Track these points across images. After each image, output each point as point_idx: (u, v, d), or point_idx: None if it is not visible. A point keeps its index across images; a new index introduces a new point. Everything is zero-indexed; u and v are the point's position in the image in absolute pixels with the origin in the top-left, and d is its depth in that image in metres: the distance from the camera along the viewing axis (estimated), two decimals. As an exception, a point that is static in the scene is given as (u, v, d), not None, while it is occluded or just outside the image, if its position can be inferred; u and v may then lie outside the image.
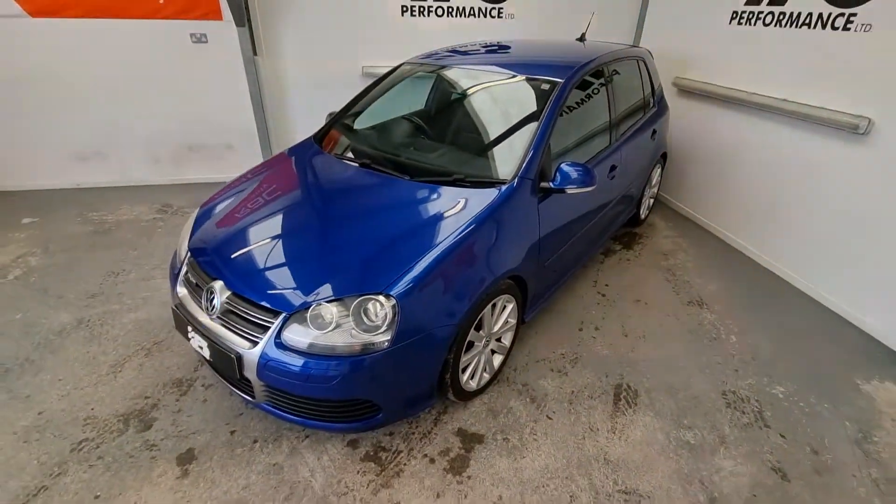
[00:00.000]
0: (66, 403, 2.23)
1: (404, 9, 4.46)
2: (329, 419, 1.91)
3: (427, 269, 1.85)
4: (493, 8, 4.63)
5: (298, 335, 1.77)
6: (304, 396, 1.84)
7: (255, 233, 2.16)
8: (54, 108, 4.21)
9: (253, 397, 1.95)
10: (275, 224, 2.22)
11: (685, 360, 2.64)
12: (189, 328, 2.01)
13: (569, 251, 2.75)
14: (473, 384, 2.26)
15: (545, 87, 2.59)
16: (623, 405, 2.33)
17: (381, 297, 1.77)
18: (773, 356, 2.68)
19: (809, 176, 3.24)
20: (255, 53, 4.27)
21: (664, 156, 4.16)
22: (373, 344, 1.75)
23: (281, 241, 2.11)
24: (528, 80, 2.69)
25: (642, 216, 4.13)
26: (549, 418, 2.25)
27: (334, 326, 1.76)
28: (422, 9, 4.49)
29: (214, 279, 1.97)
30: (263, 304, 1.84)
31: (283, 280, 1.92)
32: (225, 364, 1.91)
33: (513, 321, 2.37)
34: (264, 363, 1.79)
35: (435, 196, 2.23)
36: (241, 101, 4.47)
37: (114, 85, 4.22)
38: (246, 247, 2.08)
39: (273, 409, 1.95)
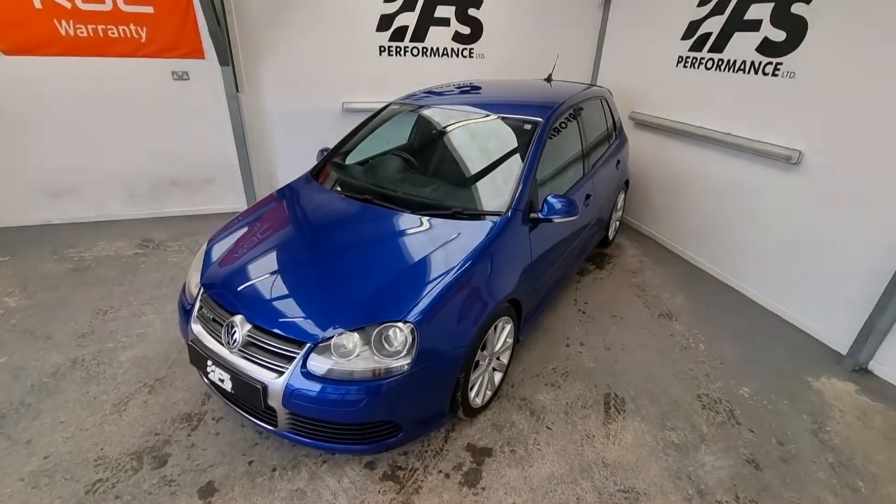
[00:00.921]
0: (73, 445, 2.21)
1: (382, 49, 4.72)
2: (351, 441, 2.02)
3: (439, 296, 2.03)
4: (465, 49, 4.98)
5: (323, 363, 1.89)
6: (329, 421, 1.95)
7: (268, 266, 2.28)
8: (23, 144, 4.13)
9: (275, 426, 2.03)
10: (288, 257, 2.35)
11: (662, 368, 2.92)
12: (209, 363, 2.07)
13: (554, 272, 3.01)
14: (479, 401, 2.42)
15: (528, 126, 2.88)
16: (613, 412, 2.56)
17: (400, 324, 1.93)
18: (737, 361, 3.00)
19: (752, 200, 3.68)
20: (237, 90, 4.37)
21: (627, 182, 4.56)
22: (393, 368, 1.90)
23: (296, 273, 2.24)
24: (511, 119, 2.97)
25: (611, 237, 4.48)
26: (549, 429, 2.44)
27: (357, 353, 1.90)
28: (398, 49, 4.77)
29: (234, 313, 2.06)
30: (288, 335, 1.95)
31: (304, 311, 2.04)
32: (249, 395, 1.99)
33: (510, 341, 2.57)
34: (290, 392, 1.89)
35: (436, 228, 2.43)
36: (222, 136, 4.54)
37: (90, 120, 4.20)
38: (262, 280, 2.19)
39: (295, 437, 2.03)
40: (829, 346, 3.17)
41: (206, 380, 2.23)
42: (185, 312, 2.29)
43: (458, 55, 4.99)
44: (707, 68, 3.99)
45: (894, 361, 2.85)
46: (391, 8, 4.58)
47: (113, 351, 2.83)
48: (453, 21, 4.83)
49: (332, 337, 1.91)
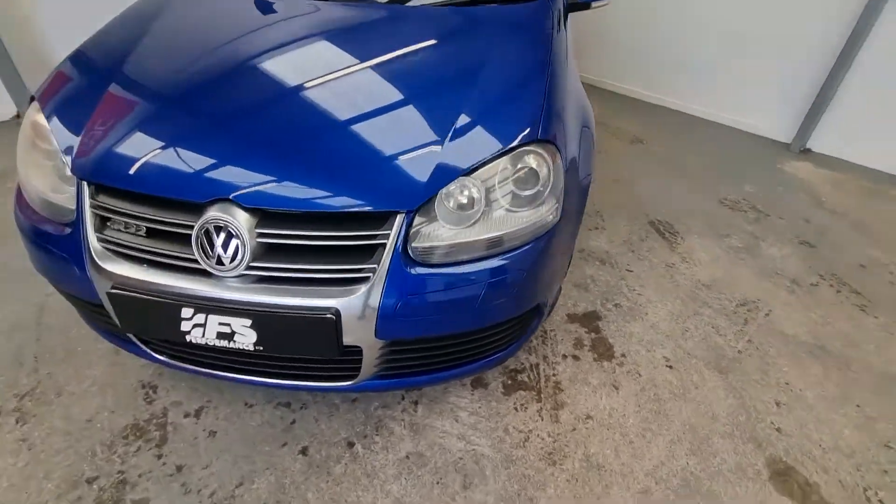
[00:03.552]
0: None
1: None
2: (479, 354, 1.29)
3: (553, 101, 1.29)
4: None
5: (438, 236, 1.06)
6: (453, 336, 1.17)
7: (231, 111, 1.19)
8: None
9: (355, 376, 1.16)
10: (256, 89, 1.26)
11: (673, 186, 2.72)
12: (182, 312, 1.04)
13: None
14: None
15: None
16: (670, 237, 2.28)
17: (538, 148, 1.16)
18: (718, 166, 2.98)
19: (686, 6, 3.51)
20: None
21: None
22: (548, 221, 1.17)
23: (299, 110, 1.21)
24: None
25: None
26: (630, 270, 2.05)
27: (482, 207, 1.10)
28: None
29: (207, 204, 1.02)
30: (361, 207, 1.03)
31: (354, 161, 1.10)
32: (302, 341, 1.08)
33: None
34: (393, 305, 1.04)
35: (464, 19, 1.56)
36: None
37: None
38: (242, 135, 1.13)
39: (389, 382, 1.22)
40: (775, 138, 3.37)
41: (162, 354, 1.20)
42: (61, 241, 1.11)
43: None
44: None
45: (825, 138, 3.15)
46: None
47: None
48: None
49: (436, 191, 1.07)
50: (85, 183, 1.10)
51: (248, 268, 1.02)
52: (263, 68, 1.31)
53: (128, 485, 1.21)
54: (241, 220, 1.01)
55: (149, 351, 1.23)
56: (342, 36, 1.46)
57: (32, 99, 1.28)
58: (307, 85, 1.26)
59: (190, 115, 1.20)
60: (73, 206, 1.12)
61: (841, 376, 1.62)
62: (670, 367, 1.62)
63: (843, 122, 3.03)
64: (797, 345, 1.73)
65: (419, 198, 1.05)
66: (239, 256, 1.01)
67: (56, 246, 1.14)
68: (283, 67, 1.32)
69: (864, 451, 1.39)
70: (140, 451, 1.29)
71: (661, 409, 1.48)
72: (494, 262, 1.10)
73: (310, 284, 1.04)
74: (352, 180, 1.07)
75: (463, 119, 1.16)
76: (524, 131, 1.17)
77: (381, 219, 1.05)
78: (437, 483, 1.25)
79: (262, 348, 1.08)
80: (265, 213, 1.04)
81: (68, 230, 1.12)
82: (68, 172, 1.12)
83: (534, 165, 1.15)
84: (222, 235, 1.00)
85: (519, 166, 1.14)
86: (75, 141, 1.14)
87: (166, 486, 1.22)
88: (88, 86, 1.28)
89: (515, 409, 1.45)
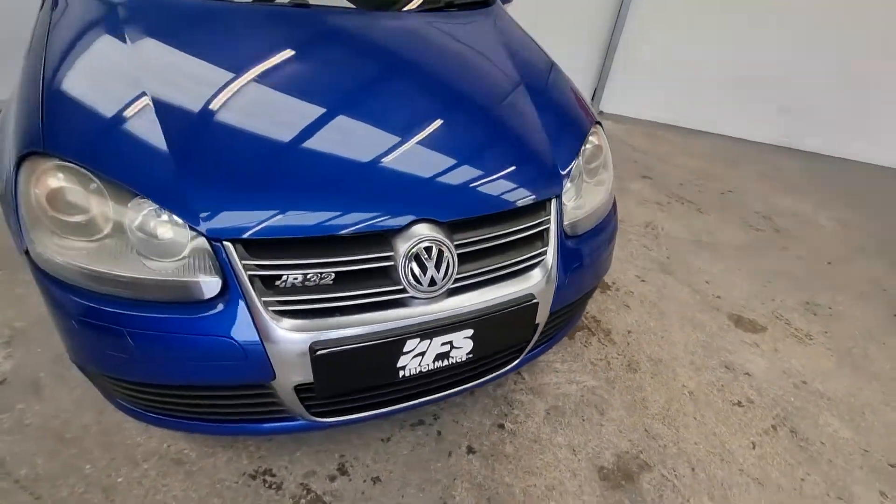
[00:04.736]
0: None
1: None
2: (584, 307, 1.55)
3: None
4: None
5: (578, 207, 1.28)
6: (588, 293, 1.42)
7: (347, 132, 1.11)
8: None
9: (518, 355, 1.28)
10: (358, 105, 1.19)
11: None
12: (409, 345, 1.00)
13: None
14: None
15: None
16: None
17: (597, 129, 1.46)
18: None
19: None
20: None
21: None
22: (609, 189, 1.48)
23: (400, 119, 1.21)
24: None
25: None
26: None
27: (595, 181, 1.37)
28: None
29: (400, 230, 1.00)
30: (528, 201, 1.15)
31: (516, 163, 1.21)
32: (508, 334, 1.16)
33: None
34: (564, 277, 1.21)
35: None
36: None
37: None
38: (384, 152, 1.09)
39: (539, 350, 1.37)
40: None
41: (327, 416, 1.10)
42: (203, 323, 0.92)
43: None
44: None
45: (610, 102, 4.26)
46: None
47: None
48: None
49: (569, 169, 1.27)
50: (228, 244, 0.90)
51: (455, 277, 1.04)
52: (387, 86, 1.30)
53: None
54: (443, 235, 1.01)
55: (314, 419, 1.07)
56: (414, 48, 1.46)
57: (22, 160, 0.92)
58: (427, 97, 1.29)
59: (333, 140, 1.08)
60: (199, 278, 0.90)
61: (712, 252, 2.43)
62: (643, 280, 2.16)
63: (618, 87, 4.15)
64: (688, 241, 2.50)
65: (562, 182, 1.23)
66: (449, 271, 1.02)
67: (194, 331, 0.90)
68: (395, 83, 1.31)
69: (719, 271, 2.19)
70: None
71: (659, 309, 1.99)
72: (608, 224, 1.37)
73: (504, 279, 1.12)
74: (513, 179, 1.17)
75: (545, 115, 1.37)
76: (589, 116, 1.44)
77: (542, 206, 1.19)
78: (583, 420, 1.48)
79: (472, 356, 1.11)
80: (452, 223, 1.06)
81: (218, 307, 0.90)
82: (187, 239, 0.90)
83: (596, 142, 1.44)
84: (434, 255, 0.99)
85: (587, 145, 1.41)
86: (186, 198, 0.90)
87: None
88: (155, 127, 0.97)
89: (584, 346, 1.76)
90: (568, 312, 1.38)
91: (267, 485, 1.22)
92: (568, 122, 1.41)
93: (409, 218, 1.00)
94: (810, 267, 2.41)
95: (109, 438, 1.28)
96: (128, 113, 0.99)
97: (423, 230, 1.00)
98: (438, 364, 1.07)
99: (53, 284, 0.91)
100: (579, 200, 1.31)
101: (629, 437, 1.45)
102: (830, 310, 2.12)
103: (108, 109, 1.00)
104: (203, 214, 0.89)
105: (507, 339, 1.18)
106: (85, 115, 0.99)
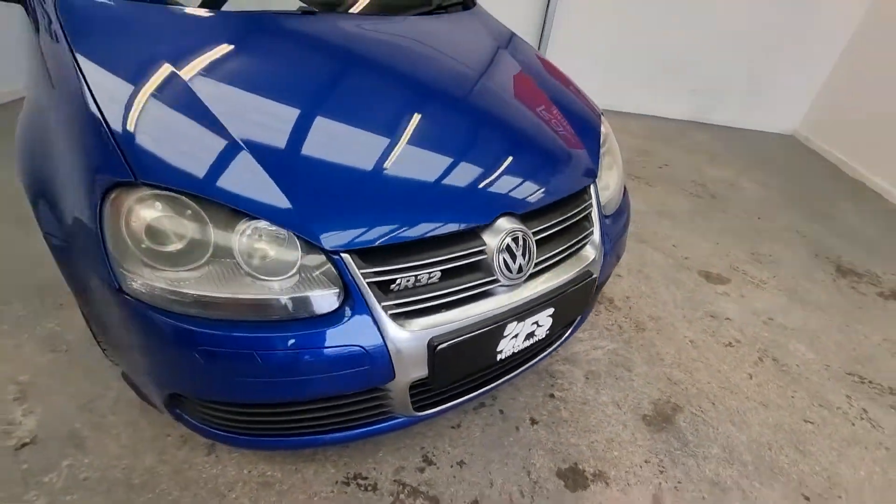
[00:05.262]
0: None
1: None
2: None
3: None
4: None
5: (601, 188, 1.43)
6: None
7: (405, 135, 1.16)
8: None
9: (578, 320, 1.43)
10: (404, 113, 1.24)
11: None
12: (508, 329, 1.09)
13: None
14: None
15: None
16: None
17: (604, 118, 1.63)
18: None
19: None
20: None
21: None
22: None
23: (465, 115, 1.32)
24: None
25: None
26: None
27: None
28: None
29: (486, 226, 1.08)
30: (577, 188, 1.28)
31: (563, 157, 1.34)
32: (577, 307, 1.30)
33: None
34: (606, 251, 1.36)
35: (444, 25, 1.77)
36: None
37: None
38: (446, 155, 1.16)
39: (581, 320, 1.52)
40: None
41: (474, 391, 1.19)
42: (328, 333, 0.94)
43: None
44: None
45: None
46: None
47: None
48: None
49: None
50: (346, 255, 0.93)
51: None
52: (444, 91, 1.37)
53: None
54: (525, 227, 1.11)
55: (416, 413, 1.12)
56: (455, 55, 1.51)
57: (109, 191, 0.87)
58: (477, 108, 1.37)
59: (414, 153, 1.13)
60: (320, 291, 0.92)
61: (670, 220, 2.76)
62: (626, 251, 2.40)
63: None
64: (648, 213, 2.80)
65: (596, 167, 1.37)
66: (531, 258, 1.12)
67: (324, 343, 0.92)
68: (447, 95, 1.37)
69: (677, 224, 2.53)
70: None
71: (644, 275, 2.24)
72: (627, 203, 1.54)
73: (567, 259, 1.24)
74: (563, 170, 1.29)
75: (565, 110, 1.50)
76: (592, 106, 1.60)
77: (585, 191, 1.32)
78: (616, 378, 1.66)
79: (549, 332, 1.22)
80: (525, 214, 1.15)
81: (345, 317, 0.92)
82: (297, 256, 0.91)
83: (605, 130, 1.60)
84: (521, 244, 1.09)
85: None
86: (304, 217, 0.92)
87: None
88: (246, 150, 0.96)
89: (596, 315, 1.94)
90: (603, 284, 1.54)
91: (362, 488, 1.24)
92: (583, 113, 1.56)
93: (495, 213, 1.08)
94: (746, 224, 2.83)
95: (183, 475, 1.22)
96: (214, 141, 0.96)
97: (505, 223, 1.09)
98: (526, 343, 1.17)
99: (166, 317, 0.87)
100: (602, 182, 1.46)
101: (657, 387, 1.65)
102: (771, 257, 2.52)
103: (192, 138, 0.97)
104: (323, 232, 0.91)
105: (573, 313, 1.31)
106: (173, 144, 0.94)
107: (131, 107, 0.98)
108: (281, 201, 0.92)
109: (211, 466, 1.25)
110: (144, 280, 0.88)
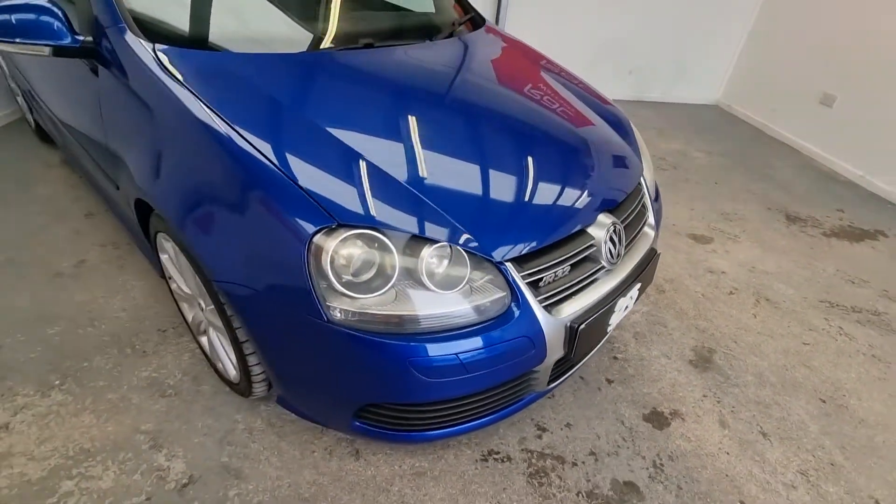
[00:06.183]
0: None
1: None
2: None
3: None
4: None
5: None
6: None
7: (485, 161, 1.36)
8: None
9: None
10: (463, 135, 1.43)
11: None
12: (619, 304, 1.34)
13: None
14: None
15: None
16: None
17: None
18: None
19: None
20: None
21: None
22: None
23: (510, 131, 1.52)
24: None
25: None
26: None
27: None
28: None
29: (590, 224, 1.31)
30: (634, 187, 1.54)
31: (618, 165, 1.58)
32: (648, 280, 1.54)
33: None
34: (657, 228, 1.64)
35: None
36: None
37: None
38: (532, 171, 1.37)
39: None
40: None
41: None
42: (511, 329, 1.12)
43: None
44: None
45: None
46: None
47: None
48: None
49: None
50: (509, 264, 1.11)
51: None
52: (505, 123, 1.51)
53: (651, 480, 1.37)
54: (617, 218, 1.34)
55: (548, 387, 1.33)
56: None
57: (314, 236, 0.98)
58: (556, 126, 1.58)
59: (528, 174, 1.33)
60: (490, 299, 1.10)
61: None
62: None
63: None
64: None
65: (642, 161, 1.63)
66: (624, 243, 1.36)
67: (507, 338, 1.10)
68: (528, 119, 1.57)
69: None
70: (572, 469, 1.40)
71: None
72: (658, 190, 1.83)
73: (638, 241, 1.49)
74: (626, 167, 1.54)
75: (602, 113, 1.75)
76: (609, 103, 1.86)
77: (640, 183, 1.57)
78: (657, 335, 1.97)
79: (632, 304, 1.47)
80: (614, 209, 1.38)
81: (515, 313, 1.11)
82: (467, 271, 1.08)
83: (635, 130, 1.87)
84: (620, 234, 1.32)
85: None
86: (477, 238, 1.09)
87: (616, 461, 1.45)
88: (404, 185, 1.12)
89: (622, 284, 2.24)
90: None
91: (498, 461, 1.44)
92: (618, 117, 1.81)
93: (596, 213, 1.31)
94: (708, 189, 3.28)
95: (344, 481, 1.34)
96: (385, 181, 1.10)
97: (604, 219, 1.31)
98: (623, 315, 1.41)
99: (374, 338, 1.01)
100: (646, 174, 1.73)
101: (691, 336, 1.98)
102: (736, 214, 2.97)
103: (365, 180, 1.09)
104: (492, 248, 1.09)
105: (648, 282, 1.57)
106: (354, 188, 1.06)
107: (305, 160, 1.09)
108: (454, 226, 1.08)
109: (364, 469, 1.38)
110: (346, 308, 1.00)
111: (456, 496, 1.34)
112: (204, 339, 1.55)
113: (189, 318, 1.59)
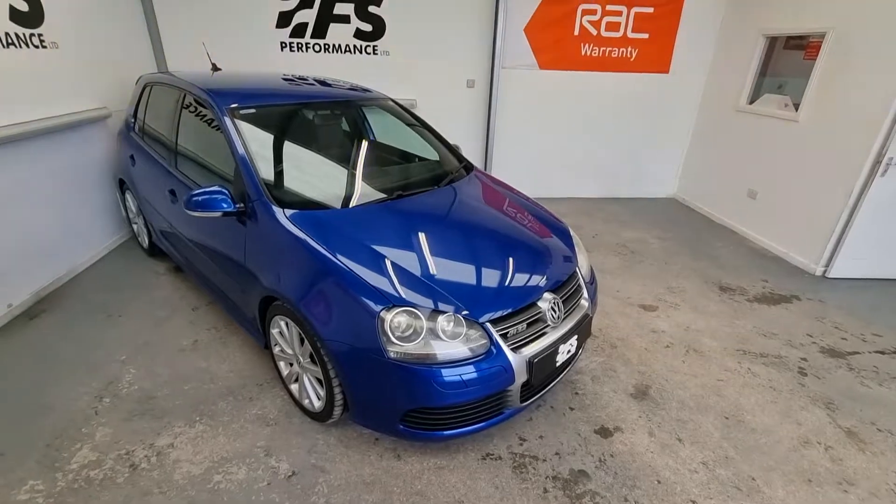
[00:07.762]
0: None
1: (283, 45, 4.89)
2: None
3: None
4: (368, 46, 5.14)
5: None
6: None
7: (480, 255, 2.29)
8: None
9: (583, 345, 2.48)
10: (458, 242, 2.38)
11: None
12: (559, 350, 2.13)
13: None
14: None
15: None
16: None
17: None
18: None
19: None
20: None
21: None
22: None
23: (487, 243, 2.43)
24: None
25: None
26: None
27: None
28: (300, 45, 5.02)
29: (538, 299, 2.15)
30: (571, 272, 2.40)
31: (555, 255, 2.48)
32: (584, 335, 2.34)
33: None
34: (591, 293, 2.47)
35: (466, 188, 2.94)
36: None
37: None
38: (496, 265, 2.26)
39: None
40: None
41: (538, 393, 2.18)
42: (493, 364, 1.93)
43: (361, 52, 5.17)
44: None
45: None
46: (288, 6, 4.82)
47: None
48: (353, 18, 5.01)
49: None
50: (489, 324, 1.94)
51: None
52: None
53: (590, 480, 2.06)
54: (556, 295, 2.19)
55: (521, 404, 2.08)
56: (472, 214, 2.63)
57: (383, 310, 1.84)
58: (518, 233, 2.53)
59: (493, 263, 2.24)
60: (477, 344, 1.92)
61: (610, 275, 3.99)
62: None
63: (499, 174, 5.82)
64: (596, 271, 4.01)
65: (577, 253, 2.52)
66: (562, 310, 2.19)
67: (490, 366, 1.90)
68: (499, 229, 2.53)
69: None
70: (543, 463, 2.09)
71: (605, 311, 3.37)
72: (593, 273, 2.69)
73: (575, 308, 2.31)
74: (565, 260, 2.41)
75: (546, 224, 2.68)
76: (558, 219, 2.80)
77: (574, 270, 2.43)
78: (609, 377, 2.70)
79: (574, 350, 2.25)
80: (555, 288, 2.23)
81: (493, 352, 1.92)
82: (464, 328, 1.91)
83: (573, 234, 2.78)
84: (559, 305, 2.15)
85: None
86: (470, 309, 1.94)
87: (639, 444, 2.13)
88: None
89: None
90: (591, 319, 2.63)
91: (493, 459, 2.14)
92: (560, 227, 2.73)
93: (543, 291, 2.15)
94: (658, 268, 4.14)
95: (392, 472, 2.05)
96: (416, 280, 1.97)
97: (548, 295, 2.16)
98: (567, 356, 2.20)
99: (413, 366, 1.81)
100: (579, 264, 2.60)
101: (634, 377, 2.72)
102: (679, 287, 3.79)
103: (402, 277, 1.97)
104: (480, 316, 1.94)
105: (585, 337, 2.36)
106: (399, 283, 1.94)
107: (372, 269, 1.98)
108: (456, 304, 1.92)
109: (403, 465, 2.09)
110: (397, 350, 1.82)
111: (465, 481, 2.03)
112: (293, 386, 2.34)
113: (284, 373, 2.39)
